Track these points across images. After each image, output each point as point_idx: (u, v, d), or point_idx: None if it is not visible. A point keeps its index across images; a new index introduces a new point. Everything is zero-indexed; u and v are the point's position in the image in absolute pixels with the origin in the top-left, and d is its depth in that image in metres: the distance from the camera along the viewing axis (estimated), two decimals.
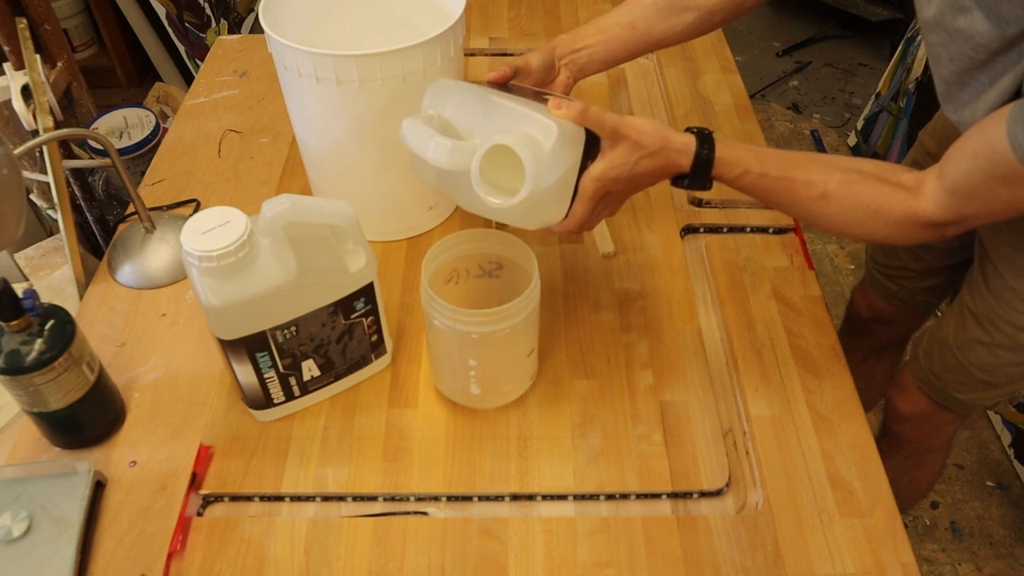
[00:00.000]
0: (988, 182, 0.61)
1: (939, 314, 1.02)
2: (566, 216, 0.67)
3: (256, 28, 2.39)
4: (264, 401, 0.74)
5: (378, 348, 0.78)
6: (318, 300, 0.69)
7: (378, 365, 0.80)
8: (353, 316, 0.72)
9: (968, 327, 0.89)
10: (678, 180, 0.69)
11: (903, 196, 0.65)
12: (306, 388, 0.75)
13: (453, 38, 0.79)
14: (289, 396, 0.75)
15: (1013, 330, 0.84)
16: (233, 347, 0.67)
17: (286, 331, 0.69)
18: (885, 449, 1.11)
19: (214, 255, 0.61)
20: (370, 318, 0.74)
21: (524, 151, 0.60)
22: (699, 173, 0.67)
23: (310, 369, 0.73)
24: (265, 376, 0.71)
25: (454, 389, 0.77)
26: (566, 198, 0.66)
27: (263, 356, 0.69)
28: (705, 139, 0.67)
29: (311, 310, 0.69)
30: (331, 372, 0.76)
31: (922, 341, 0.99)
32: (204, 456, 0.73)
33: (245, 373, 0.70)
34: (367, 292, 0.72)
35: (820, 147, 2.33)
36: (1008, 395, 0.94)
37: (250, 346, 0.68)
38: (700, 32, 0.85)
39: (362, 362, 0.78)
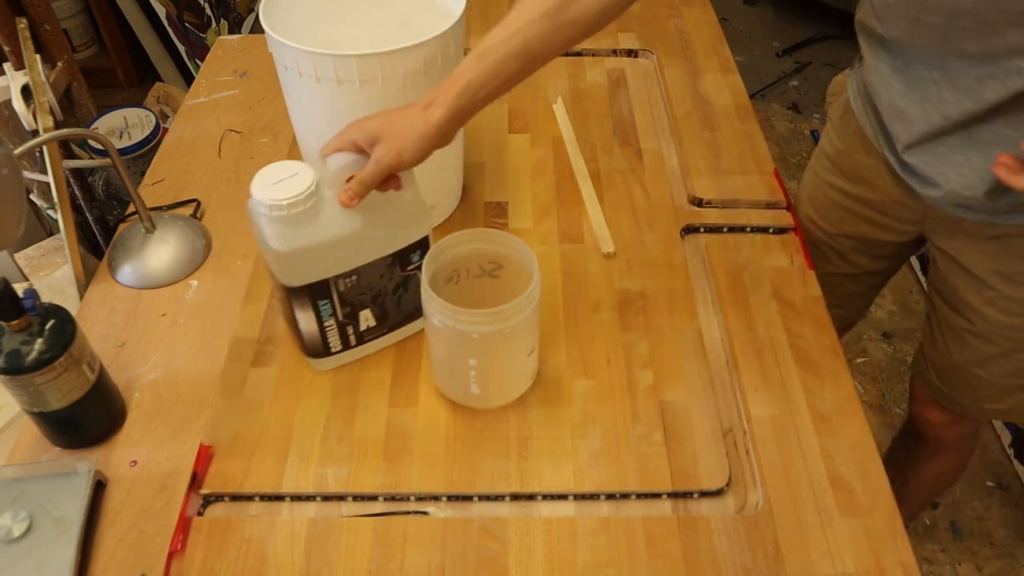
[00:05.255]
0: None
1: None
2: None
3: (256, 28, 2.39)
4: (322, 349, 0.77)
5: None
6: (378, 251, 0.73)
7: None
8: (409, 268, 0.76)
9: (973, 346, 0.90)
10: None
11: None
12: (362, 338, 0.79)
13: (453, 38, 0.79)
14: (346, 345, 0.78)
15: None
16: (297, 294, 0.71)
17: (347, 280, 0.73)
18: (911, 444, 1.14)
19: (284, 204, 0.66)
20: None
21: None
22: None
23: (367, 319, 0.77)
24: (325, 324, 0.74)
25: (454, 389, 0.77)
26: None
27: (324, 304, 0.73)
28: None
29: (371, 260, 0.73)
30: (386, 323, 0.79)
31: (927, 370, 1.00)
32: (204, 456, 0.73)
33: (307, 320, 0.73)
34: (423, 245, 0.76)
35: None
36: None
37: (313, 294, 0.72)
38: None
39: (415, 314, 0.81)
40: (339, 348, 0.78)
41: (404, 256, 0.75)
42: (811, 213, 1.03)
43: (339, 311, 0.74)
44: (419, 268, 0.75)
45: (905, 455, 1.17)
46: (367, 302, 0.75)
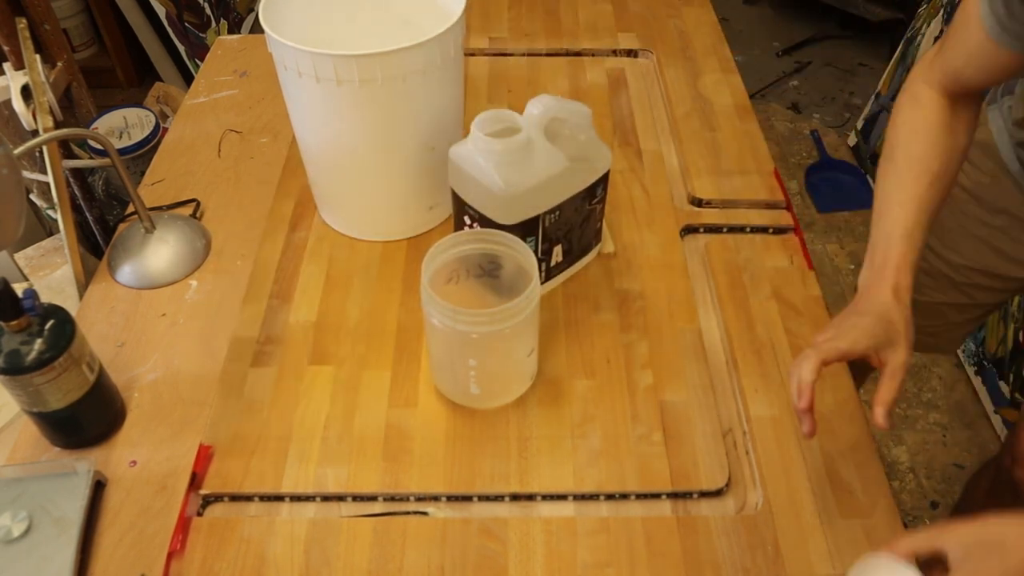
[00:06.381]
0: None
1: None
2: None
3: (256, 28, 2.39)
4: None
5: (598, 235, 0.90)
6: (574, 187, 0.80)
7: (594, 253, 0.91)
8: (593, 202, 0.84)
9: None
10: None
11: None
12: (550, 274, 0.85)
13: (453, 38, 0.79)
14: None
15: None
16: (511, 232, 0.75)
17: (552, 215, 0.79)
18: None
19: (500, 147, 0.73)
20: (600, 206, 0.86)
21: None
22: None
23: (557, 255, 0.84)
24: None
25: (454, 389, 0.77)
26: None
27: (530, 240, 0.79)
28: None
29: (571, 196, 0.80)
30: (569, 258, 0.86)
31: None
32: (204, 456, 0.73)
33: None
34: (604, 181, 0.83)
35: (820, 147, 2.33)
36: None
37: (524, 230, 0.77)
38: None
39: (587, 249, 0.88)
40: None
41: (592, 191, 0.82)
42: (932, 243, 0.98)
43: (540, 247, 0.81)
44: (602, 201, 0.85)
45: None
46: (561, 237, 0.82)
